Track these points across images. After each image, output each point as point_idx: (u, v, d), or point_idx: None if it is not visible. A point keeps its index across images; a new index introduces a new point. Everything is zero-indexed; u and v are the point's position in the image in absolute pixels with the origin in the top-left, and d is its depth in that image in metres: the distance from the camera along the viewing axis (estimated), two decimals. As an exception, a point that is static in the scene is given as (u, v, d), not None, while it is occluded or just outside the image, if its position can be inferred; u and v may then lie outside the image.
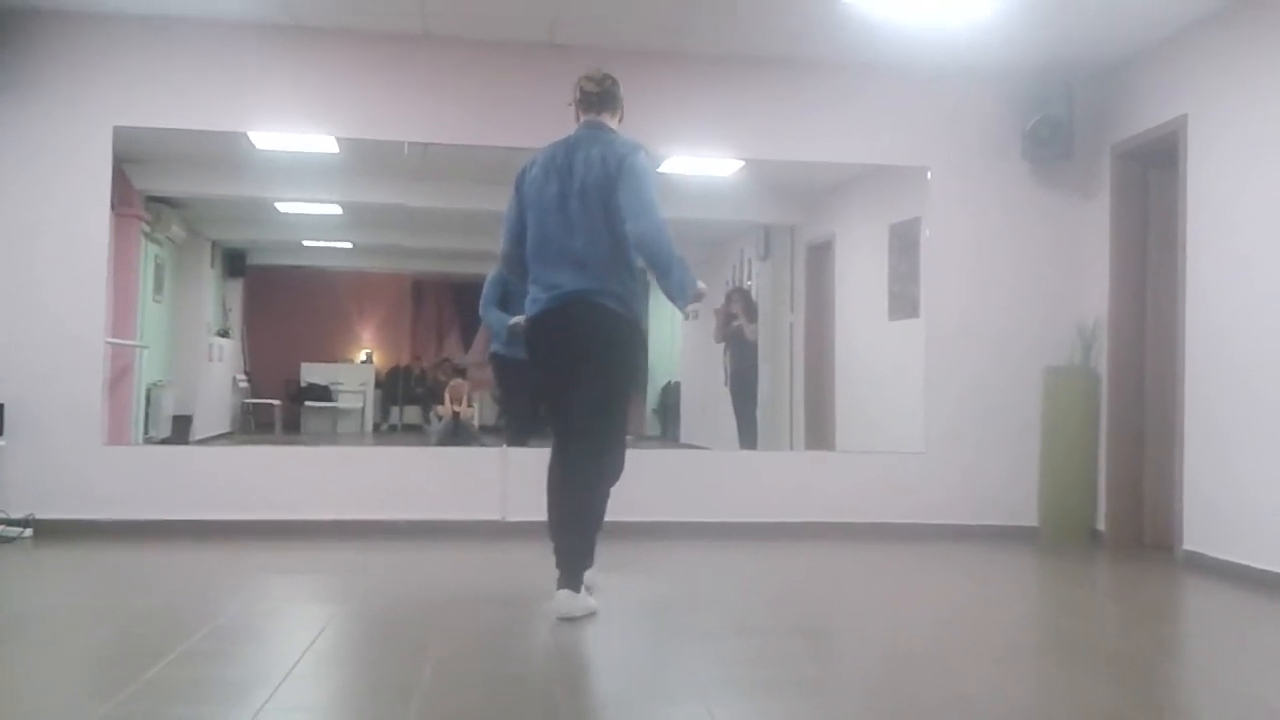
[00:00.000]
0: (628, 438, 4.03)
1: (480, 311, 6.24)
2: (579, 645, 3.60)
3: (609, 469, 3.91)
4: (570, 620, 3.69)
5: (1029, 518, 6.13)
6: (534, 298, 3.89)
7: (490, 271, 5.99)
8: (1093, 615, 4.48)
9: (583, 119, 3.99)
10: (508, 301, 5.73)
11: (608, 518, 3.96)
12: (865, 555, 5.52)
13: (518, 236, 3.97)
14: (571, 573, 3.75)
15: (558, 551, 3.78)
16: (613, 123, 4.01)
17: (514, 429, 6.62)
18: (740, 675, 3.23)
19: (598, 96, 3.97)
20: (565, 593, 3.72)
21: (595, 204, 3.79)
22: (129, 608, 4.00)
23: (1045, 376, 6.13)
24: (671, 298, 3.81)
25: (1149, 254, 5.98)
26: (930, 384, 6.23)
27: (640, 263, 3.85)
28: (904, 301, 6.58)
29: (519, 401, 6.69)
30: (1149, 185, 6.00)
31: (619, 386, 3.91)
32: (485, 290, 6.13)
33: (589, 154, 3.85)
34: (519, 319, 4.04)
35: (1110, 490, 5.98)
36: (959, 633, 3.85)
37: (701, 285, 3.83)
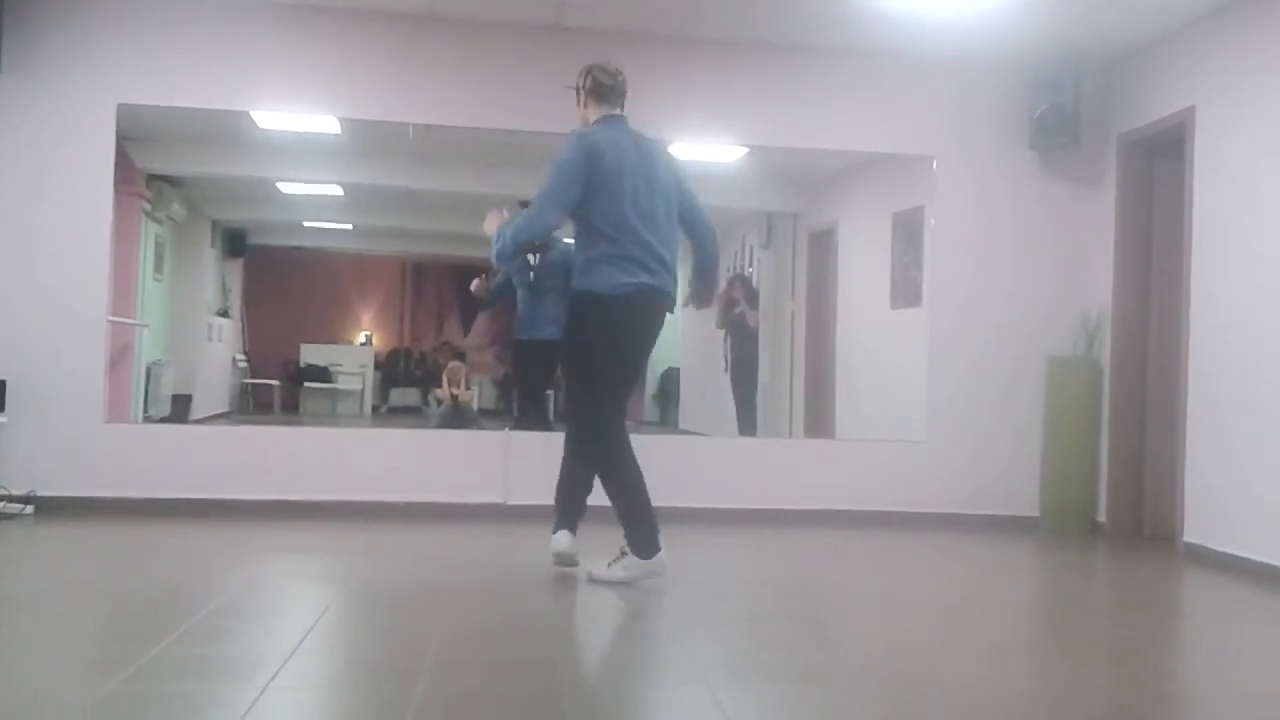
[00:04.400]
0: (628, 423, 4.04)
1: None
2: (582, 629, 3.60)
3: (581, 451, 4.06)
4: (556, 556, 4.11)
5: (1030, 508, 6.13)
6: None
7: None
8: (1092, 605, 4.48)
9: (605, 111, 4.09)
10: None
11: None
12: (864, 543, 5.52)
13: (570, 212, 4.00)
14: (559, 516, 4.16)
15: None
16: None
17: (525, 412, 6.62)
18: (742, 660, 3.23)
19: (614, 90, 4.13)
20: (559, 533, 4.13)
21: (672, 199, 4.06)
22: (130, 586, 4.01)
23: (1048, 366, 6.13)
24: (708, 277, 4.34)
25: (1154, 245, 5.97)
26: (932, 373, 6.22)
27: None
28: (907, 290, 6.57)
29: (530, 385, 6.68)
30: (1155, 176, 5.99)
31: (577, 366, 4.06)
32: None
33: (653, 147, 4.10)
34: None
35: (1111, 481, 5.98)
36: (959, 621, 3.85)
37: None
